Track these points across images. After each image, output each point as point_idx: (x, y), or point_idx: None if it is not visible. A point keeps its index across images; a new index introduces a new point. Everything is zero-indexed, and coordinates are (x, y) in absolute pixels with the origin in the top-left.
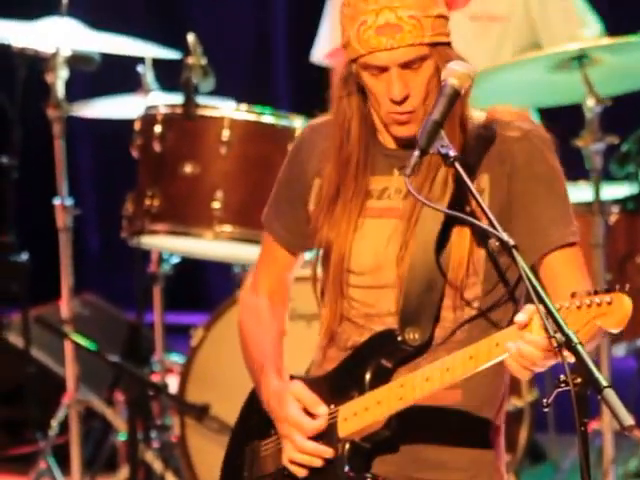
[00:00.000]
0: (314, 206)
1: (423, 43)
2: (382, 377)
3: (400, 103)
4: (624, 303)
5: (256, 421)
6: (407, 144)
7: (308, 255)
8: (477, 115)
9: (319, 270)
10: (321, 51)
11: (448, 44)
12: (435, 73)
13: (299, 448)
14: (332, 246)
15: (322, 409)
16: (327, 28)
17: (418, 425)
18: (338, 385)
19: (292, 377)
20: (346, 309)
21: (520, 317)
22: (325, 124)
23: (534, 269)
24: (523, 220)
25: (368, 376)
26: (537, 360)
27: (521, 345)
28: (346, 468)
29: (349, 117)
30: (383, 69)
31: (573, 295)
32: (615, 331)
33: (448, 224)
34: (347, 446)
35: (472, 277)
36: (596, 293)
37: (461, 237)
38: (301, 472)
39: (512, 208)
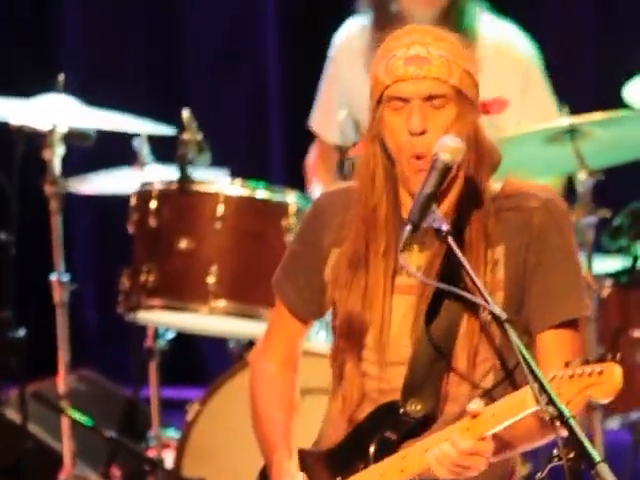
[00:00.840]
0: (331, 276)
1: (449, 83)
2: (387, 449)
3: (418, 136)
4: (614, 373)
5: None
6: None
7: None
8: (494, 186)
9: (333, 341)
10: (315, 121)
11: (473, 106)
12: (455, 123)
13: None
14: (357, 322)
15: None
16: (322, 101)
17: None
18: (344, 458)
19: (300, 451)
20: (365, 385)
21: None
22: (344, 192)
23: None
24: (536, 290)
25: (372, 449)
26: (455, 459)
27: (444, 445)
28: None
29: (373, 165)
30: (406, 101)
31: (567, 365)
32: (605, 401)
33: (461, 300)
34: None
35: (484, 353)
36: (588, 362)
37: (470, 313)
38: None
39: (527, 278)
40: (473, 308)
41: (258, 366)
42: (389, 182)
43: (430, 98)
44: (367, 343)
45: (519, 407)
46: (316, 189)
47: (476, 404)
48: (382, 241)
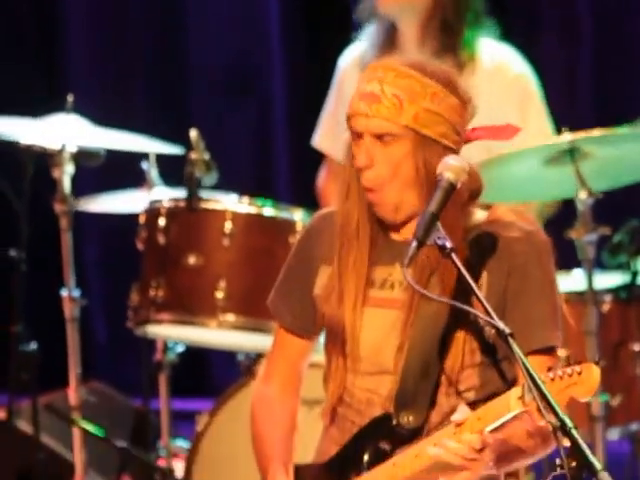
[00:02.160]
0: (319, 291)
1: (398, 123)
2: (381, 459)
3: (362, 171)
4: (593, 372)
5: None
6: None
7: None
8: (480, 215)
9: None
10: (321, 140)
11: (440, 143)
12: (409, 158)
13: None
14: (336, 330)
15: None
16: (327, 115)
17: None
18: (339, 470)
19: (297, 466)
20: (349, 393)
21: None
22: (335, 213)
23: None
24: (517, 318)
25: (366, 458)
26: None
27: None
28: None
29: (348, 180)
30: (359, 135)
31: (549, 369)
32: (585, 400)
33: (446, 316)
34: None
35: (468, 369)
36: (569, 365)
37: (458, 329)
38: None
39: (507, 304)
40: (461, 322)
41: (259, 390)
42: (362, 198)
43: (380, 135)
44: (355, 354)
45: (504, 409)
46: None
47: (461, 412)
48: (352, 252)
